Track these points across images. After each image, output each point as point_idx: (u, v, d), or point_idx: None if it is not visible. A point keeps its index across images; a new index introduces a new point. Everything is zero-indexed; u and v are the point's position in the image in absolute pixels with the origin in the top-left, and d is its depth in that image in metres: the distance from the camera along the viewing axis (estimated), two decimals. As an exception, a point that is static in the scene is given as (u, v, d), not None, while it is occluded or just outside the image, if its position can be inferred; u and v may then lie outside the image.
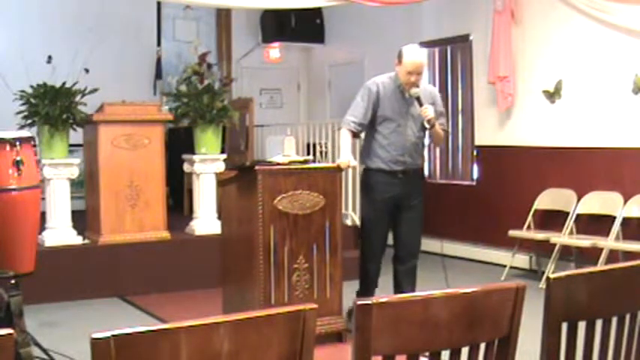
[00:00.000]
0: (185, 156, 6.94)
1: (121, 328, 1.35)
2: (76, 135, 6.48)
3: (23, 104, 6.03)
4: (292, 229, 4.51)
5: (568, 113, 6.80)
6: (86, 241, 6.35)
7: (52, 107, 5.95)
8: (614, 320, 1.95)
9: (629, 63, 6.28)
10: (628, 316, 1.97)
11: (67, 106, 6.05)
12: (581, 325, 1.90)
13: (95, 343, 1.32)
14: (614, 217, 6.24)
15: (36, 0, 8.50)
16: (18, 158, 4.13)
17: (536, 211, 6.90)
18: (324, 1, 7.16)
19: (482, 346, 1.74)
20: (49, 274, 5.55)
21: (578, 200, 6.57)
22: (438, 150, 8.20)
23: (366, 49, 9.12)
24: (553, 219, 6.76)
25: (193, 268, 6.41)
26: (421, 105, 4.86)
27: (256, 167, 4.48)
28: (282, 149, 5.09)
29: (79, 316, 5.58)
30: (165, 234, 6.52)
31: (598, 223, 6.39)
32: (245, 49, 9.96)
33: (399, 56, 4.94)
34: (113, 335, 1.33)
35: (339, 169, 4.75)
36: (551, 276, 1.84)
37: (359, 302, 1.56)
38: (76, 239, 6.28)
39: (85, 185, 6.77)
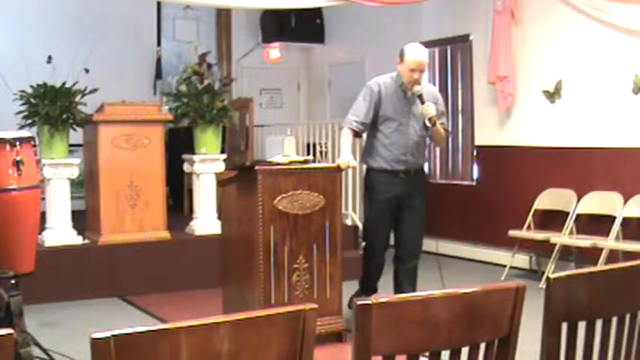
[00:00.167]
0: (185, 156, 6.93)
1: (121, 328, 1.35)
2: (76, 135, 6.48)
3: (23, 104, 6.02)
4: (292, 229, 4.51)
5: (568, 113, 6.80)
6: (86, 241, 6.34)
7: (52, 107, 5.94)
8: (614, 320, 1.95)
9: (629, 63, 6.28)
10: (628, 316, 1.97)
11: (67, 106, 6.05)
12: (581, 325, 1.90)
13: (95, 343, 1.32)
14: (614, 217, 6.23)
15: (36, 0, 8.50)
16: (18, 158, 4.13)
17: (536, 211, 6.90)
18: (324, 1, 7.15)
19: (482, 346, 1.74)
20: (49, 274, 5.55)
21: (578, 200, 6.57)
22: (438, 150, 8.20)
23: (366, 49, 9.11)
24: (553, 219, 6.76)
25: (193, 268, 6.41)
26: (423, 103, 4.87)
27: (256, 167, 4.48)
28: (282, 149, 5.09)
29: (79, 316, 5.58)
30: (165, 234, 6.52)
31: (598, 223, 6.39)
32: (245, 49, 9.95)
33: (401, 54, 4.95)
34: (113, 335, 1.33)
35: (339, 169, 4.75)
36: (551, 276, 1.84)
37: (359, 302, 1.55)
38: (76, 239, 6.28)
39: (85, 185, 6.77)
